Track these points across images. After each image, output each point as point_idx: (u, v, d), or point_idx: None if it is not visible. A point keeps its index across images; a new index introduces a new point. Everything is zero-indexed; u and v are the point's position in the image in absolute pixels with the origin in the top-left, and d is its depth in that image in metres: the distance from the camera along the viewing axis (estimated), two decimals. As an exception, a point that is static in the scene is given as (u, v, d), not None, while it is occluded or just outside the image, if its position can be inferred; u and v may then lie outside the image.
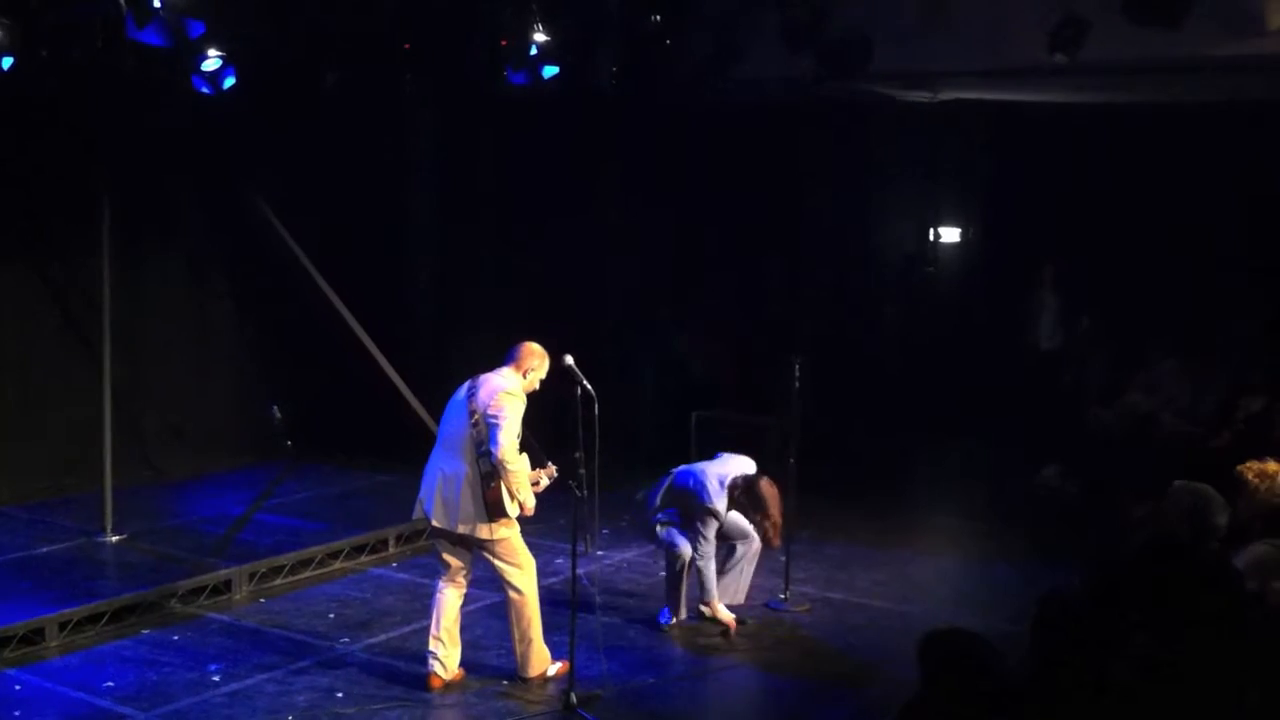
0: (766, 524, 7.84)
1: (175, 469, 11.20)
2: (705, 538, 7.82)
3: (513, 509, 6.83)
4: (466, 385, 6.97)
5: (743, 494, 7.83)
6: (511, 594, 7.00)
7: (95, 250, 9.57)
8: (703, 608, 7.96)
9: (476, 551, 7.00)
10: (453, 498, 6.84)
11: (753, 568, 8.23)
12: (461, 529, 6.86)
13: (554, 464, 7.07)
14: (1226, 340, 11.29)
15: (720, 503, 7.80)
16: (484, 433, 6.74)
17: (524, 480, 6.79)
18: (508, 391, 6.80)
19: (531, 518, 6.99)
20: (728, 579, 8.14)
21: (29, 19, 8.05)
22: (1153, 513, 5.82)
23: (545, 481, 7.00)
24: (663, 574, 8.37)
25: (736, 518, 8.02)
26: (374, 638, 7.86)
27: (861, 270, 13.60)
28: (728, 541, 8.10)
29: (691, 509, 7.86)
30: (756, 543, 8.09)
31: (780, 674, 7.60)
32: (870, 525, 10.40)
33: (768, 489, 7.78)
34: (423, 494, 7.00)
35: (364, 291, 11.37)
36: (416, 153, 12.61)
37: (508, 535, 6.90)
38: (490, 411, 6.73)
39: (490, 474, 6.74)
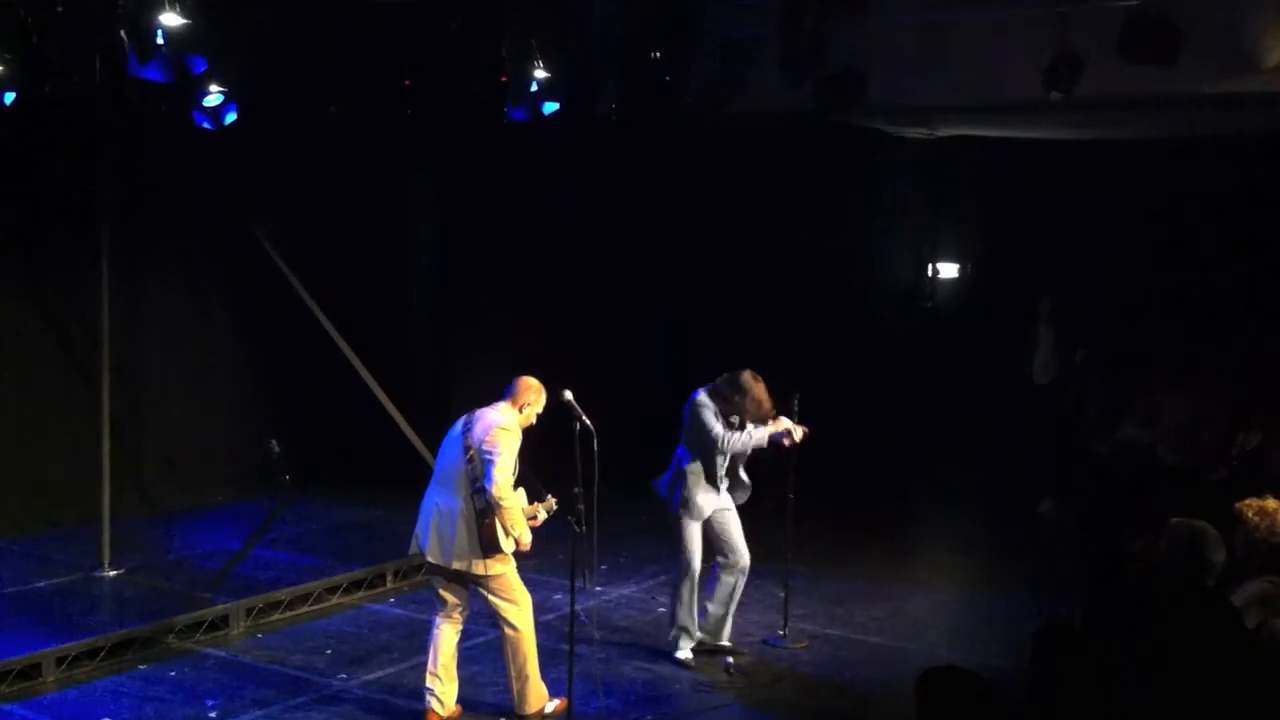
0: (750, 406, 7.78)
1: (172, 502, 11.17)
2: (711, 427, 7.80)
3: (508, 545, 6.82)
4: (463, 420, 6.97)
5: (726, 385, 7.83)
6: (507, 630, 6.98)
7: (94, 283, 9.57)
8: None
9: (472, 587, 6.99)
10: (448, 533, 6.83)
11: (735, 602, 8.15)
12: (457, 565, 6.85)
13: (553, 497, 7.07)
14: (1225, 374, 11.30)
15: (703, 395, 7.88)
16: (479, 468, 6.74)
17: (519, 516, 6.79)
18: (503, 427, 6.80)
19: (529, 553, 6.98)
20: (717, 613, 8.12)
21: (31, 54, 8.11)
22: (1150, 549, 5.81)
23: (544, 515, 7.00)
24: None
25: (728, 523, 8.00)
26: (371, 674, 7.84)
27: (860, 304, 13.63)
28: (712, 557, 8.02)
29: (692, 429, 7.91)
30: (740, 573, 8.03)
31: (777, 711, 7.57)
32: (868, 559, 10.39)
33: (750, 379, 7.80)
34: (418, 529, 7.00)
35: (363, 324, 11.39)
36: (416, 185, 12.66)
37: (503, 571, 6.89)
38: (485, 447, 6.73)
39: (485, 510, 6.73)
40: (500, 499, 6.66)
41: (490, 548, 6.76)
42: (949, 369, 12.82)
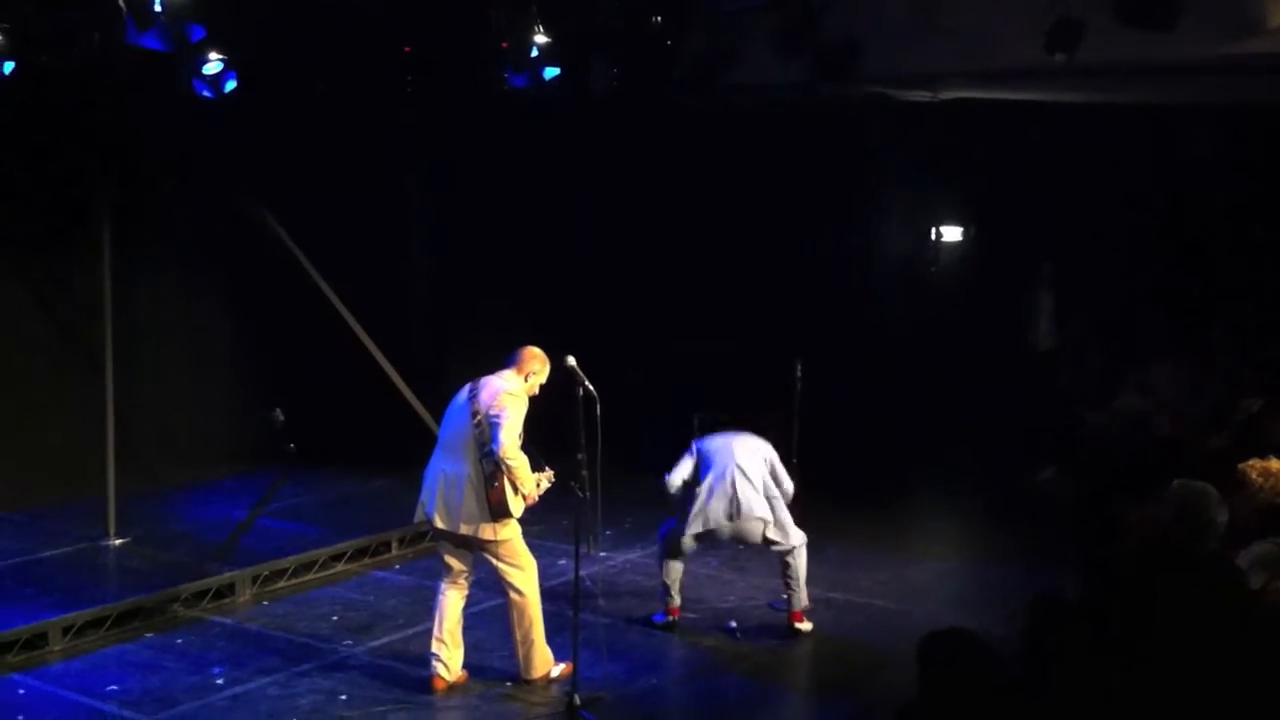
0: None
1: (176, 474, 11.19)
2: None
3: (516, 507, 6.84)
4: (468, 388, 6.99)
5: None
6: (513, 595, 7.01)
7: (95, 256, 9.57)
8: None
9: (478, 553, 7.02)
10: (455, 499, 6.86)
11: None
12: (465, 530, 6.87)
13: (551, 469, 7.06)
14: (1223, 341, 11.28)
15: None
16: (487, 433, 6.76)
17: (528, 474, 6.81)
18: (509, 392, 6.83)
19: (534, 520, 7.01)
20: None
21: (28, 24, 8.07)
22: (1150, 511, 5.81)
23: (545, 484, 7.01)
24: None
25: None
26: (377, 640, 7.88)
27: (861, 271, 13.60)
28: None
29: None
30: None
31: (781, 675, 7.63)
32: (870, 526, 10.42)
33: None
34: (424, 496, 7.02)
35: (364, 294, 11.37)
36: (417, 155, 12.62)
37: (510, 536, 6.92)
38: (492, 411, 6.76)
39: (494, 474, 6.75)
40: (508, 459, 6.69)
41: (500, 511, 6.79)
42: (949, 334, 12.81)
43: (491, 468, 6.75)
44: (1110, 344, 12.05)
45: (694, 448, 8.01)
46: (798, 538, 7.89)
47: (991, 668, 4.23)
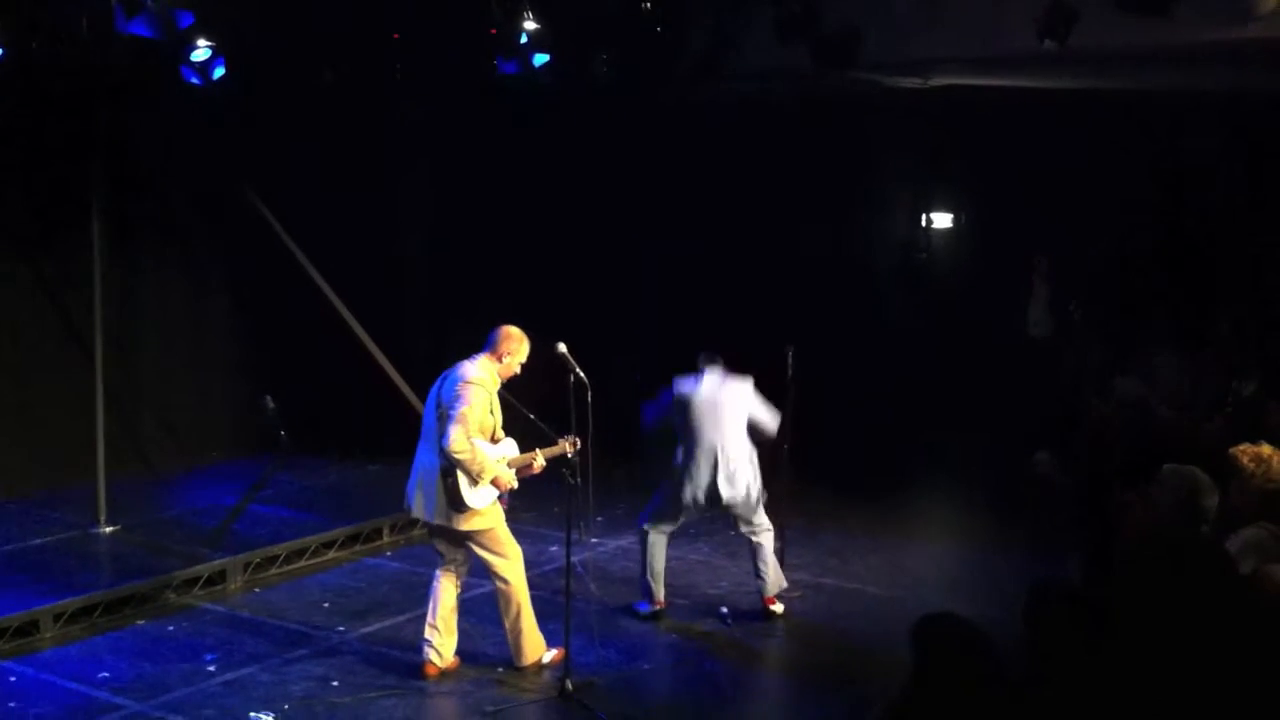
0: None
1: (168, 462, 11.19)
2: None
3: (476, 500, 6.76)
4: (441, 377, 6.93)
5: None
6: (499, 584, 7.00)
7: (88, 245, 9.55)
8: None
9: (464, 542, 7.00)
10: (429, 490, 6.83)
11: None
12: (438, 520, 6.86)
13: (572, 438, 6.98)
14: (1221, 327, 11.29)
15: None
16: (442, 426, 6.70)
17: (486, 464, 6.71)
18: (468, 380, 6.73)
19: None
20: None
21: (18, 12, 8.03)
22: (1142, 497, 5.81)
23: (541, 462, 6.95)
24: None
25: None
26: (369, 627, 7.87)
27: (855, 258, 13.60)
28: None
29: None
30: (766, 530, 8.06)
31: (774, 660, 7.64)
32: (863, 512, 10.43)
33: None
34: (408, 487, 7.00)
35: (356, 283, 11.35)
36: (409, 144, 12.59)
37: (489, 526, 6.88)
38: (448, 404, 6.69)
39: (449, 468, 6.70)
40: (455, 453, 6.59)
41: (456, 504, 6.74)
42: (945, 321, 12.82)
43: (445, 462, 6.70)
44: (1109, 331, 12.06)
45: (674, 392, 7.93)
46: (766, 521, 7.96)
47: (985, 653, 4.22)
